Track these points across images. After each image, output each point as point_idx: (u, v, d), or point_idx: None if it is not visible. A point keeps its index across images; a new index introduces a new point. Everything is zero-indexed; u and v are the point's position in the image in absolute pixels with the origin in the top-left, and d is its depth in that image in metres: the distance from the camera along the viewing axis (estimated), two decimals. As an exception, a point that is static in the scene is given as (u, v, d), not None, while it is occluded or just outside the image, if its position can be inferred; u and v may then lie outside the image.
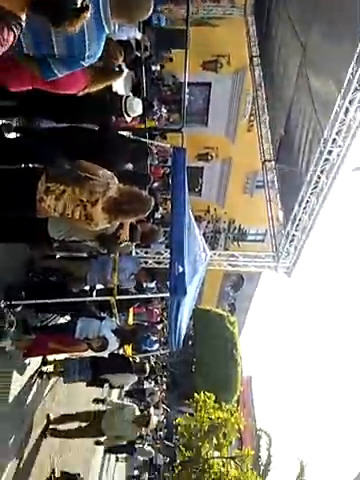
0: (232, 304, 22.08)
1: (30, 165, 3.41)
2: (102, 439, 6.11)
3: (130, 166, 4.82)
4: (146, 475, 15.16)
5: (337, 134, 5.73)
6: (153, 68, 10.53)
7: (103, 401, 5.71)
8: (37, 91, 2.53)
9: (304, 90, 6.64)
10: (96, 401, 5.74)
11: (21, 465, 4.80)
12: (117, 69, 2.79)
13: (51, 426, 5.49)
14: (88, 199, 2.99)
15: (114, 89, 4.43)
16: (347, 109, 5.41)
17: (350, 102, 5.32)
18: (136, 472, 15.27)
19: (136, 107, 3.94)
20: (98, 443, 6.71)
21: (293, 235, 7.78)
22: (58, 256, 5.06)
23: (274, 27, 8.40)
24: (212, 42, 12.09)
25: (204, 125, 14.64)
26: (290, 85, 7.32)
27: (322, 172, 6.37)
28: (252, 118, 13.16)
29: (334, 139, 5.78)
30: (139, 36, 6.05)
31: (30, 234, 3.29)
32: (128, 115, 3.91)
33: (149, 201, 3.21)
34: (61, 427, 5.57)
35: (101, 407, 5.81)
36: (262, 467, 14.77)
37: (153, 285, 7.43)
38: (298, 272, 8.48)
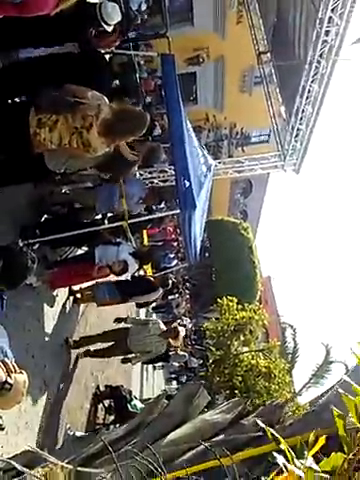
0: (244, 211, 22.21)
1: (17, 100, 3.26)
2: (130, 356, 6.08)
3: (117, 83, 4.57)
4: (184, 377, 16.49)
5: (332, 11, 5.25)
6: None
7: (125, 320, 5.93)
8: (8, 20, 2.34)
9: None
10: (118, 320, 5.94)
11: (68, 384, 5.24)
12: None
13: (83, 348, 5.77)
14: (82, 125, 2.90)
15: (86, -1, 4.03)
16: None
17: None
18: (173, 376, 16.63)
19: (113, 13, 3.59)
20: (125, 361, 6.40)
21: (298, 129, 7.50)
22: (63, 190, 5.04)
23: None
24: None
25: (190, 23, 13.46)
26: None
27: (321, 56, 5.94)
28: (240, 8, 12.08)
29: (330, 17, 5.31)
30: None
31: (30, 172, 3.23)
32: (107, 24, 3.58)
33: (144, 117, 3.09)
34: (92, 348, 5.87)
35: (125, 325, 6.00)
36: (290, 356, 15.81)
37: (162, 205, 7.44)
38: (306, 167, 8.34)
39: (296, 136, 7.66)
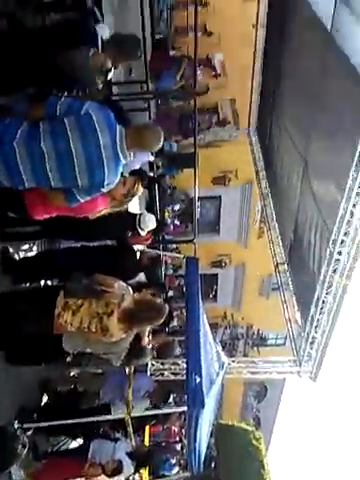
0: (257, 417, 20.57)
1: (49, 283, 3.56)
2: None
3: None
4: None
5: (345, 235, 5.90)
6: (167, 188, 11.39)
7: None
8: (58, 216, 2.76)
9: (308, 197, 7.01)
10: None
11: None
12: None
13: None
14: (104, 311, 3.05)
15: (129, 208, 4.79)
16: (352, 212, 5.64)
17: (354, 205, 5.57)
18: None
19: (149, 222, 4.21)
20: None
21: (313, 337, 7.57)
22: (72, 373, 4.98)
23: (276, 143, 9.16)
24: (220, 160, 13.10)
25: (216, 234, 15.23)
26: (295, 193, 7.75)
27: (335, 271, 6.41)
28: (262, 225, 13.66)
29: (342, 240, 5.94)
30: (152, 158, 6.63)
31: (45, 352, 3.30)
32: (142, 229, 4.17)
33: (163, 308, 3.26)
34: None
35: None
36: None
37: (171, 400, 7.09)
38: (325, 375, 8.09)
39: (312, 343, 7.68)
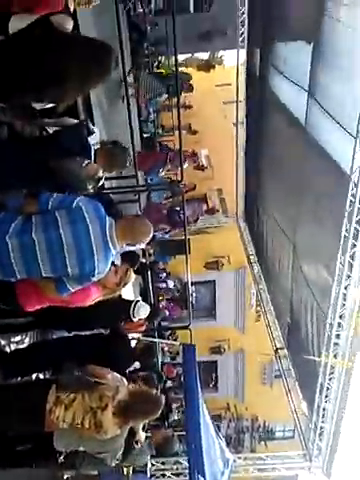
0: None
1: (41, 376, 3.47)
2: None
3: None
4: None
5: (341, 318, 5.88)
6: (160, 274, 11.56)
7: None
8: (50, 306, 2.79)
9: (300, 280, 7.11)
10: None
11: None
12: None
13: None
14: (98, 405, 2.95)
15: (123, 295, 4.82)
16: (344, 295, 5.69)
17: (345, 288, 5.63)
18: None
19: (141, 311, 4.24)
20: None
21: (321, 428, 7.16)
22: (66, 477, 4.62)
23: (264, 228, 9.49)
24: (211, 246, 13.43)
25: (213, 319, 15.05)
26: (287, 276, 7.85)
27: (335, 356, 6.29)
28: (258, 308, 13.58)
29: (339, 323, 5.91)
30: (143, 246, 6.80)
31: (35, 452, 3.12)
32: (134, 317, 4.18)
33: (160, 400, 3.15)
34: None
35: None
36: None
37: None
38: (340, 470, 7.51)
39: (320, 435, 7.25)
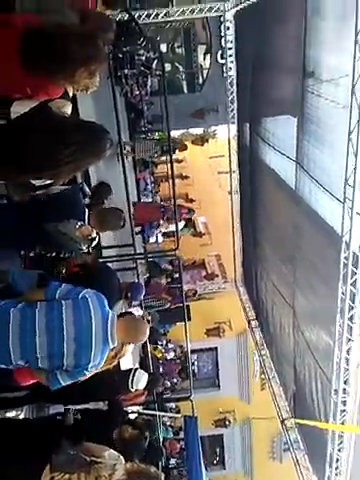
0: None
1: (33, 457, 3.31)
2: None
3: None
4: None
5: (345, 383, 5.71)
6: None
7: None
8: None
9: (302, 345, 6.98)
10: None
11: None
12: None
13: None
14: (94, 485, 2.82)
15: (122, 366, 4.71)
16: (347, 359, 5.56)
17: (347, 352, 5.53)
18: None
19: (139, 381, 4.12)
20: None
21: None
22: None
23: (263, 292, 9.47)
24: (212, 311, 13.31)
25: (217, 388, 14.54)
26: (289, 341, 7.72)
27: (343, 423, 6.02)
28: (263, 376, 13.16)
29: (344, 389, 5.73)
30: (141, 313, 6.80)
31: None
32: (132, 388, 4.06)
33: (158, 474, 3.00)
34: None
35: None
36: None
37: None
38: None
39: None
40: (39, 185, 2.97)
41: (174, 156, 8.83)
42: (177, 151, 9.62)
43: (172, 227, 9.04)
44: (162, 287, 9.27)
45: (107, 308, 2.55)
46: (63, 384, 2.50)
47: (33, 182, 2.98)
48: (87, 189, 3.66)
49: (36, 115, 2.18)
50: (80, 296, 2.48)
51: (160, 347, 11.65)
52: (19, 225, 2.93)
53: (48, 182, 2.91)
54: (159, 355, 11.42)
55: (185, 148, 10.09)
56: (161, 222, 9.52)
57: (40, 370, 2.49)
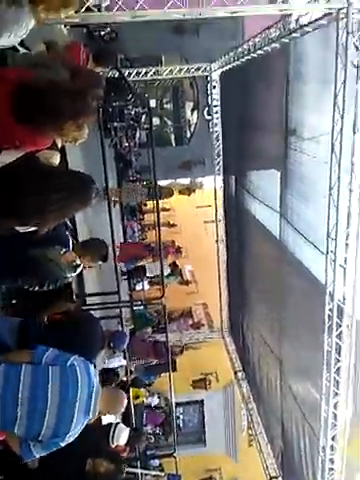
0: None
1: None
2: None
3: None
4: None
5: (333, 439, 5.54)
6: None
7: None
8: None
9: (289, 398, 6.82)
10: None
11: None
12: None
13: None
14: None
15: (103, 420, 4.53)
16: (334, 414, 5.42)
17: (335, 406, 5.40)
18: None
19: (119, 437, 3.95)
20: None
21: None
22: None
23: (250, 344, 9.34)
24: (198, 362, 13.00)
25: (203, 445, 13.93)
26: (276, 395, 7.53)
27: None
28: (250, 432, 12.70)
29: (332, 445, 5.55)
30: (124, 363, 6.67)
31: None
32: (113, 443, 3.89)
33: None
34: None
35: None
36: None
37: None
38: None
39: None
40: (23, 231, 2.99)
41: (161, 204, 8.94)
42: (164, 198, 9.77)
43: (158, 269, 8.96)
44: (147, 347, 9.14)
45: (93, 378, 2.52)
46: (36, 456, 2.41)
47: (17, 228, 3.01)
48: (68, 223, 3.68)
49: (23, 165, 2.24)
50: (68, 364, 2.45)
51: (143, 390, 11.15)
52: (1, 253, 2.90)
53: (33, 229, 2.93)
54: (141, 399, 10.95)
55: (171, 194, 10.23)
56: (148, 259, 9.37)
57: (13, 436, 2.39)
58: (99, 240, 3.69)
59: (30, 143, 2.37)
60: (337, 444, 5.54)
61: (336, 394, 5.26)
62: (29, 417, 2.29)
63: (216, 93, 9.14)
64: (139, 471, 6.41)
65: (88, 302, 5.76)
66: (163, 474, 6.23)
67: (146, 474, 8.01)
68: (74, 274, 3.25)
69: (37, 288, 3.05)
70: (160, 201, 7.83)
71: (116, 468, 2.98)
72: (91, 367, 2.55)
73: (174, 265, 11.50)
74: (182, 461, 6.86)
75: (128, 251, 9.29)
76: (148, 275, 10.23)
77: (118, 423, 4.46)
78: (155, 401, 12.34)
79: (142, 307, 9.88)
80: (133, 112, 9.53)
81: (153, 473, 7.41)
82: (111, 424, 4.30)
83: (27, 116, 2.13)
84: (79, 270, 3.31)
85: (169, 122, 14.04)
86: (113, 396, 2.72)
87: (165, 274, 9.10)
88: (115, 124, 9.43)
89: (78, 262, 3.17)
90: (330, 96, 4.46)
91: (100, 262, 3.50)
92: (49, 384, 2.34)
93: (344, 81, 4.24)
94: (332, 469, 5.62)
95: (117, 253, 6.65)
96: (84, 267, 3.53)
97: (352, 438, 5.62)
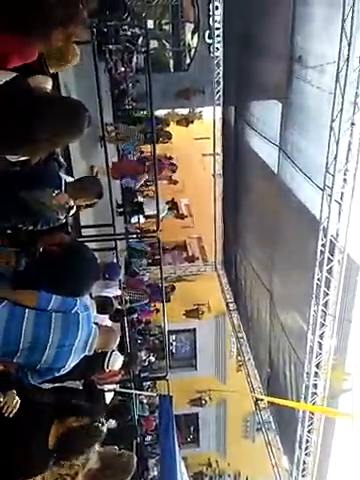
0: None
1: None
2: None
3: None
4: None
5: (317, 366, 5.85)
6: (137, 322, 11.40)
7: None
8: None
9: (278, 328, 7.12)
10: None
11: None
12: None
13: None
14: (68, 473, 2.84)
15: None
16: (320, 343, 5.69)
17: (321, 336, 5.65)
18: None
19: (114, 362, 4.11)
20: None
21: (302, 483, 6.91)
22: None
23: (242, 277, 9.57)
24: (191, 293, 13.39)
25: (194, 369, 14.74)
26: (265, 324, 7.85)
27: (314, 404, 6.20)
28: (239, 358, 13.40)
29: (316, 372, 5.87)
30: (119, 292, 6.79)
31: None
32: (107, 368, 4.06)
33: (131, 460, 3.04)
34: None
35: None
36: None
37: None
38: None
39: (302, 491, 6.98)
40: (15, 161, 2.89)
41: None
42: (162, 142, 9.35)
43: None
44: (142, 283, 9.36)
45: (92, 325, 2.66)
46: (31, 382, 2.57)
47: (8, 158, 2.90)
48: (62, 160, 3.58)
49: (11, 86, 2.11)
50: (73, 311, 2.57)
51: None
52: None
53: (24, 158, 2.83)
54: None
55: (170, 137, 9.82)
56: (144, 174, 9.06)
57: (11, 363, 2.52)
58: (92, 178, 3.61)
59: (15, 53, 2.20)
60: (320, 371, 5.87)
61: (323, 325, 5.49)
62: (30, 349, 2.42)
63: (218, 14, 8.55)
64: (133, 391, 6.80)
65: (84, 234, 5.76)
66: (155, 394, 6.62)
67: (139, 394, 8.56)
68: (68, 215, 3.22)
69: (31, 227, 3.03)
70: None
71: (90, 420, 2.74)
72: (91, 314, 2.72)
73: (173, 202, 11.39)
74: (174, 384, 7.27)
75: (124, 167, 9.04)
76: (147, 214, 10.02)
77: (113, 351, 4.63)
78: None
79: (137, 240, 9.93)
80: (129, 33, 8.92)
81: (146, 393, 7.90)
82: (106, 352, 4.46)
83: (14, 19, 1.96)
84: (73, 212, 3.27)
85: (167, 45, 13.23)
86: (107, 335, 2.89)
87: (164, 212, 9.06)
88: (110, 46, 8.85)
89: (71, 204, 3.11)
90: (338, 22, 4.17)
91: (96, 200, 3.43)
92: (51, 327, 2.47)
93: (353, 5, 3.94)
94: (315, 394, 5.99)
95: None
96: (80, 208, 3.48)
97: (336, 365, 5.95)
